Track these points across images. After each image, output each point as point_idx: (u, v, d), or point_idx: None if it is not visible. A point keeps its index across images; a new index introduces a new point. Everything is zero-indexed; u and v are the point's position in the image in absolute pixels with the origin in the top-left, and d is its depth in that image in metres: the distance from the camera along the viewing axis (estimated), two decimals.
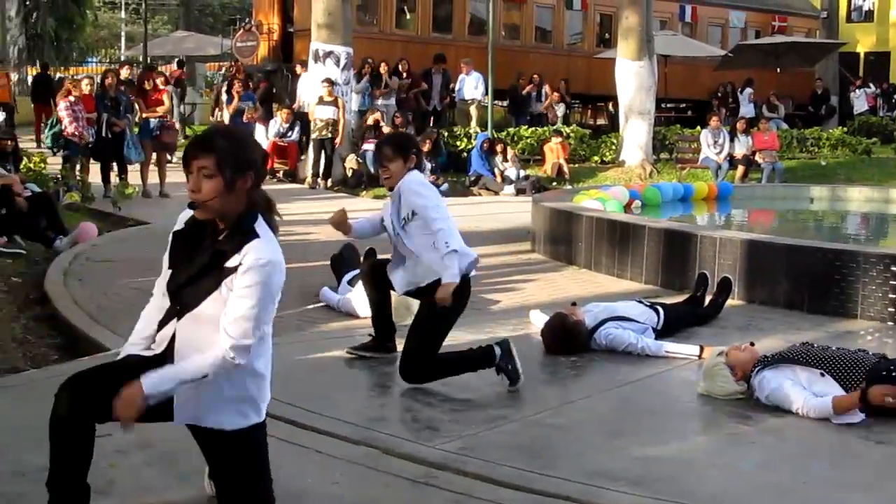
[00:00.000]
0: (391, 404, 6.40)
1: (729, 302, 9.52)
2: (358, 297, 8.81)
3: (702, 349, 7.59)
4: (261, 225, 4.10)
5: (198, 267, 4.08)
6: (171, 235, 4.28)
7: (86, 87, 17.61)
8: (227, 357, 4.00)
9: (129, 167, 18.08)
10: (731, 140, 23.23)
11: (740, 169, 22.95)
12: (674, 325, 8.37)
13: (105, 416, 4.07)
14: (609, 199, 13.81)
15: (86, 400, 4.03)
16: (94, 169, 17.72)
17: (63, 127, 16.97)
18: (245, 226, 4.08)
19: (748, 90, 30.23)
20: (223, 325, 4.00)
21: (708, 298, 9.29)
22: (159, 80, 19.34)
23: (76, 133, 16.87)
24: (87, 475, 4.13)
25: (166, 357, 4.14)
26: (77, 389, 4.05)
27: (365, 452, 5.44)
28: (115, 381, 4.05)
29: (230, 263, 4.03)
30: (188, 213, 4.25)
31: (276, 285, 4.07)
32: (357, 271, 9.19)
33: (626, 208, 14.51)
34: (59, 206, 13.84)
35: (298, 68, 24.30)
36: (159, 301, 4.30)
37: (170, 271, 4.22)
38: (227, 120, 21.81)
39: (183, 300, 4.11)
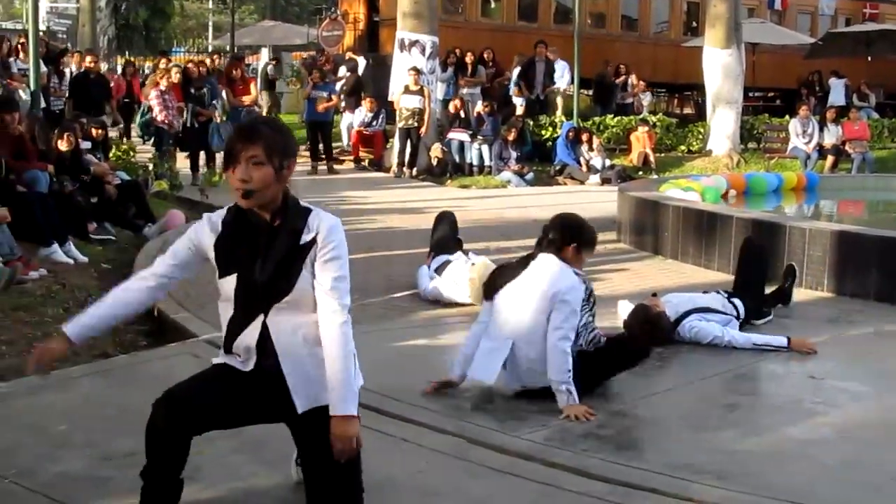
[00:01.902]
0: (477, 394, 6.38)
1: (818, 294, 9.40)
2: (445, 285, 8.80)
3: (790, 340, 7.49)
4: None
5: (280, 254, 4.08)
6: (213, 244, 4.26)
7: (175, 77, 17.77)
8: (341, 323, 4.05)
9: (217, 155, 18.26)
10: (821, 130, 22.91)
11: (830, 159, 22.64)
12: (753, 316, 8.27)
13: (201, 429, 4.18)
14: (701, 188, 13.70)
15: (183, 415, 4.08)
16: (183, 157, 17.94)
17: (153, 115, 17.18)
18: (295, 203, 4.18)
19: (843, 79, 29.67)
20: (323, 295, 4.06)
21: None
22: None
23: (165, 121, 17.07)
24: (181, 473, 4.19)
25: (264, 354, 4.16)
26: (175, 404, 4.08)
27: (451, 441, 5.43)
28: (210, 393, 4.15)
29: (305, 239, 4.10)
30: (218, 215, 4.26)
31: (345, 244, 4.18)
32: (446, 257, 9.17)
33: (724, 198, 14.43)
34: (147, 193, 14.00)
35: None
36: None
37: (234, 275, 4.20)
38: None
39: (271, 293, 4.12)
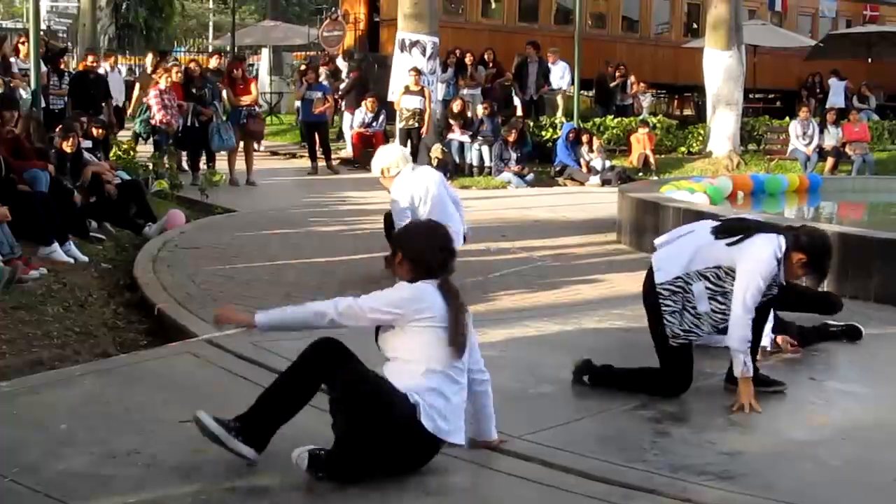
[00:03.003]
0: None
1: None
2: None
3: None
4: None
5: None
6: None
7: (175, 76, 17.76)
8: None
9: (217, 155, 18.28)
10: (821, 131, 22.91)
11: (830, 161, 22.65)
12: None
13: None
14: (697, 189, 13.71)
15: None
16: (183, 156, 17.97)
17: (152, 115, 17.18)
18: None
19: (843, 81, 29.64)
20: None
21: None
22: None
23: (164, 121, 17.06)
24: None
25: None
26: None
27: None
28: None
29: None
30: None
31: None
32: None
33: (731, 199, 14.45)
34: (148, 193, 14.00)
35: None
36: None
37: None
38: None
39: None
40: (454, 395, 4.98)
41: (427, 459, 4.97)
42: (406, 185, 9.50)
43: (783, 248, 6.12)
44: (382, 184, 9.68)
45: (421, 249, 5.14)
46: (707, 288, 6.23)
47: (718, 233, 6.31)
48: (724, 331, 6.29)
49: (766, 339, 7.05)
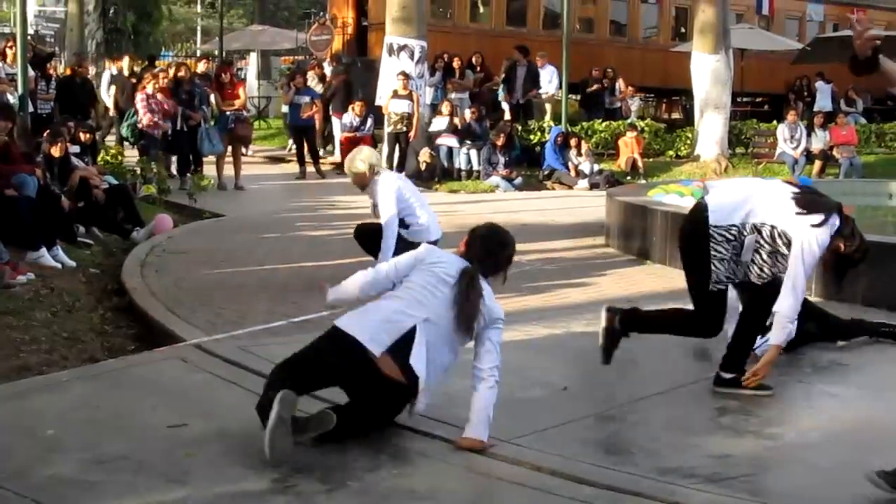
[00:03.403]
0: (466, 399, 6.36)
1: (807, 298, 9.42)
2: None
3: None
4: None
5: None
6: None
7: (163, 81, 17.73)
8: None
9: (205, 159, 18.27)
10: (809, 135, 22.98)
11: (817, 164, 22.72)
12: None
13: None
14: (686, 192, 13.71)
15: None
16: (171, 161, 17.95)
17: (139, 119, 17.14)
18: None
19: (830, 85, 29.67)
20: None
21: None
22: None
23: (151, 125, 17.02)
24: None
25: None
26: None
27: (438, 446, 5.43)
28: None
29: None
30: None
31: None
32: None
33: None
34: (135, 198, 13.99)
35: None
36: None
37: None
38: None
39: None
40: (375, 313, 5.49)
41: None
42: (392, 180, 9.57)
43: (835, 227, 6.22)
44: (360, 182, 9.56)
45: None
46: (757, 241, 6.29)
47: (791, 199, 6.31)
48: (745, 286, 6.50)
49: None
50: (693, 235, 6.48)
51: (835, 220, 6.21)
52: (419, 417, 5.59)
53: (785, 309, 6.19)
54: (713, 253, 6.31)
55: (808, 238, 6.14)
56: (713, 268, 6.32)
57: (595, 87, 26.51)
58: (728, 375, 6.55)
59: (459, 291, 5.43)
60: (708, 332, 6.57)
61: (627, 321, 6.70)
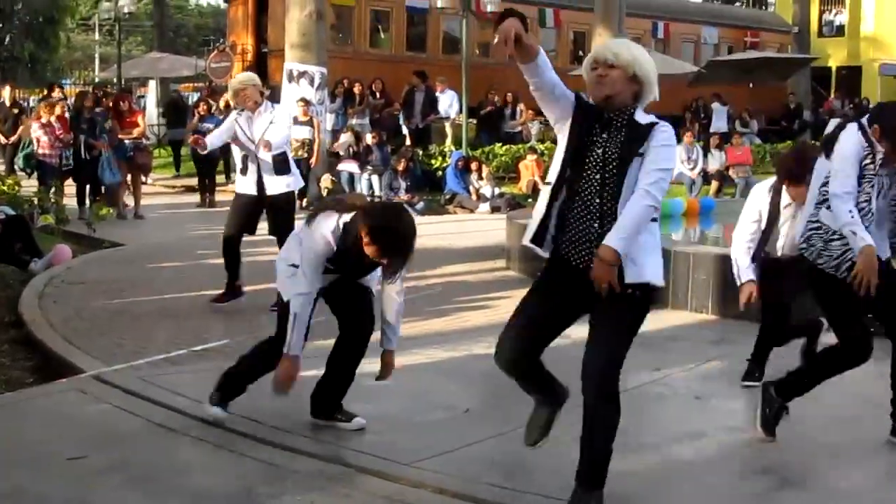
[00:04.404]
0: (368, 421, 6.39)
1: (703, 317, 9.62)
2: None
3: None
4: None
5: None
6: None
7: (59, 109, 17.53)
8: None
9: (103, 189, 18.08)
10: (705, 155, 23.36)
11: (714, 184, 23.09)
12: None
13: None
14: None
15: None
16: (69, 191, 17.71)
17: (35, 149, 16.93)
18: None
19: (726, 106, 30.18)
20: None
21: None
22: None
23: (46, 154, 16.81)
24: None
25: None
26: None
27: (338, 471, 5.45)
28: None
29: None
30: None
31: None
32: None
33: None
34: (33, 228, 13.79)
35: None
36: None
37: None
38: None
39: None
40: None
41: None
42: None
43: (864, 123, 5.84)
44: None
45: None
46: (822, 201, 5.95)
47: (822, 149, 6.07)
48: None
49: None
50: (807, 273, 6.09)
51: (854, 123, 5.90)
52: (313, 443, 5.63)
53: (839, 220, 5.72)
54: (819, 264, 5.94)
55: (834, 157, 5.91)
56: (826, 271, 5.93)
57: (489, 108, 26.69)
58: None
59: None
60: (864, 353, 5.86)
61: (786, 390, 6.22)
